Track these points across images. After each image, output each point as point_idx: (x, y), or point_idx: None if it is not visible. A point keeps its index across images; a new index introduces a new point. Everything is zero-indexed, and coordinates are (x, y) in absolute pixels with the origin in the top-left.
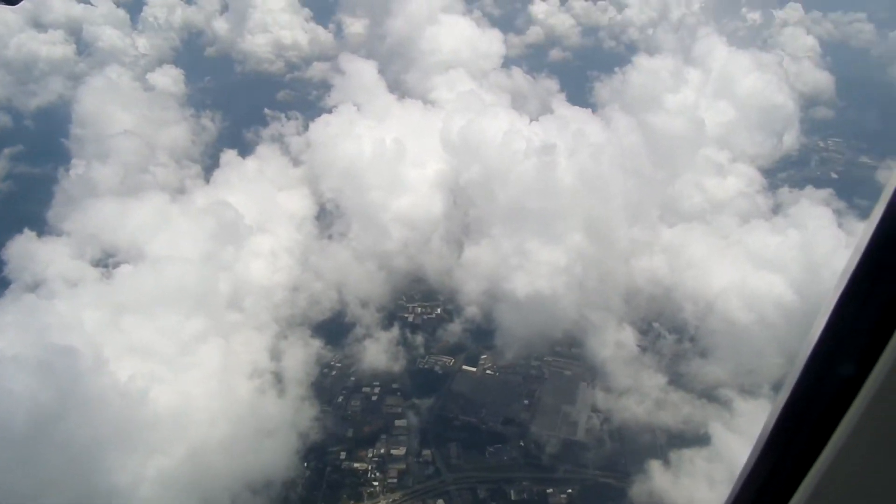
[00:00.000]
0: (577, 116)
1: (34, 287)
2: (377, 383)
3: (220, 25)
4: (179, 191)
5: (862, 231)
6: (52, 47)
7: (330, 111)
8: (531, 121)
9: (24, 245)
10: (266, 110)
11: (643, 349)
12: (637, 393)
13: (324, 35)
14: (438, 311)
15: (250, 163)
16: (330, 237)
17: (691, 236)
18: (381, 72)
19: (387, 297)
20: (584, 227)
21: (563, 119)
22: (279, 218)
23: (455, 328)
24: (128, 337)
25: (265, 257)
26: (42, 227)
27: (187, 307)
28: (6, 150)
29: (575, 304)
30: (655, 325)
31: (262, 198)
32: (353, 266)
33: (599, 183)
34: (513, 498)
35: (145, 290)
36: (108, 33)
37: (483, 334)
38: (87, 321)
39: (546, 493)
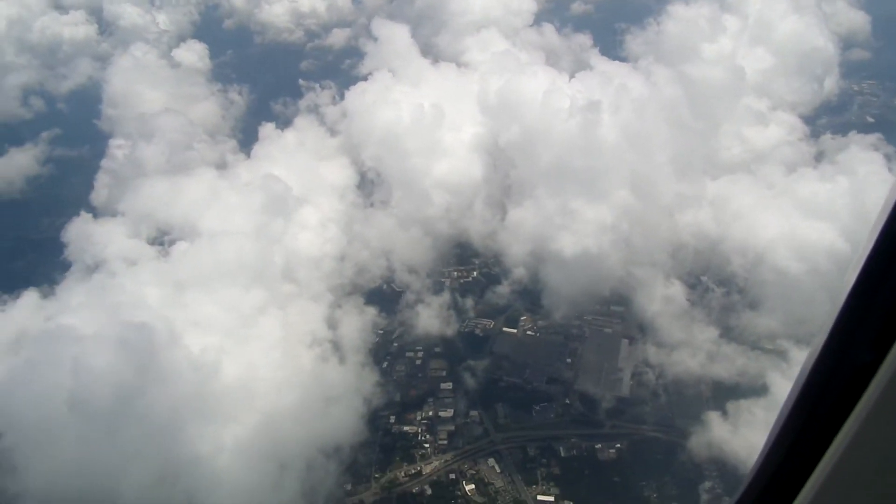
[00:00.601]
0: (615, 70)
1: (95, 267)
2: (420, 348)
3: None
4: (221, 166)
5: (871, 226)
6: (74, 28)
7: (364, 78)
8: (570, 78)
9: (82, 226)
10: (300, 81)
11: (692, 303)
12: (688, 347)
13: (342, 1)
14: (475, 274)
15: (289, 135)
16: (372, 205)
17: (736, 188)
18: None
19: (431, 262)
20: (629, 184)
21: (601, 74)
22: (322, 188)
23: (500, 290)
24: (192, 312)
25: (313, 228)
26: (86, 208)
27: (245, 280)
28: (44, 134)
29: (621, 261)
30: (703, 279)
31: (304, 169)
32: (397, 233)
33: (642, 138)
34: (562, 455)
35: (203, 265)
36: (129, 11)
37: (526, 296)
38: (151, 298)
39: (595, 448)
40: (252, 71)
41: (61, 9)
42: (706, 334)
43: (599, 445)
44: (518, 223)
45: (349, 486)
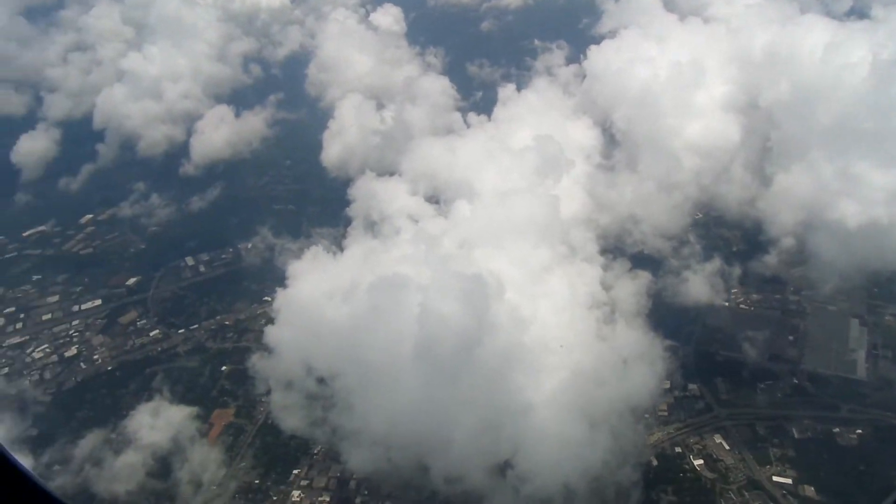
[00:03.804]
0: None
1: (376, 223)
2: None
3: None
4: (462, 128)
5: None
6: None
7: (605, 37)
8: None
9: (365, 184)
10: (536, 41)
11: None
12: None
13: None
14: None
15: (529, 96)
16: (623, 167)
17: None
18: None
19: (681, 228)
20: None
21: (880, 23)
22: (569, 150)
23: (765, 260)
24: (486, 268)
25: (568, 190)
26: (320, 169)
27: (529, 240)
28: (271, 98)
29: None
30: None
31: (549, 130)
32: (645, 197)
33: None
34: (796, 436)
35: (486, 223)
36: None
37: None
38: (443, 253)
39: (833, 432)
40: (439, 33)
41: None
42: None
43: (838, 429)
44: (786, 188)
45: None
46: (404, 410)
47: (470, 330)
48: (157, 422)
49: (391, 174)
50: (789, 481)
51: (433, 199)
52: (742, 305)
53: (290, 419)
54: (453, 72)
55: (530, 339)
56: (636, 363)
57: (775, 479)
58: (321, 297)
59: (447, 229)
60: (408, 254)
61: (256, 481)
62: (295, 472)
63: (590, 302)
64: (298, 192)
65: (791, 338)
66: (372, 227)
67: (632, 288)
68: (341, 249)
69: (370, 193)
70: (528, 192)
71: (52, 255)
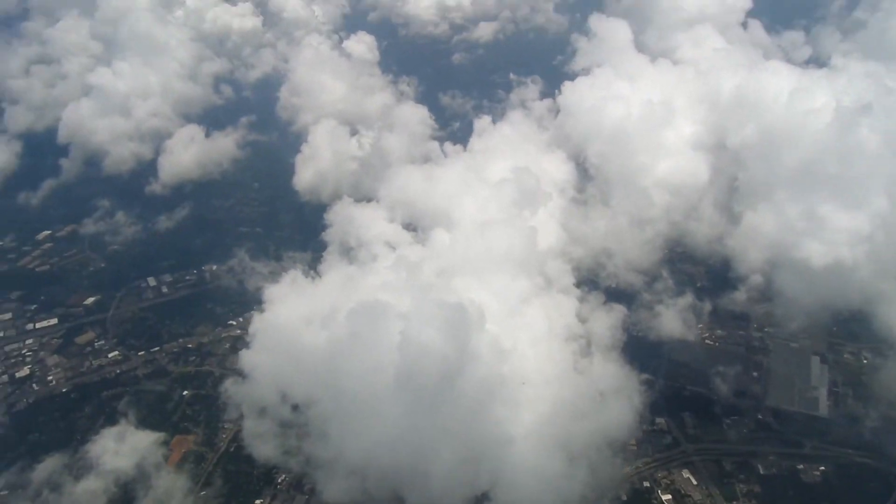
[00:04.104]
0: (858, 70)
1: (351, 248)
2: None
3: None
4: (438, 158)
5: None
6: (242, 20)
7: (578, 74)
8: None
9: (342, 209)
10: (511, 75)
11: None
12: None
13: None
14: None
15: (503, 128)
16: (596, 202)
17: None
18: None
19: (651, 263)
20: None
21: (845, 73)
22: (546, 183)
23: (732, 296)
24: (464, 297)
25: (547, 222)
26: (291, 193)
27: (504, 270)
28: (243, 120)
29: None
30: None
31: (523, 164)
32: (616, 231)
33: None
34: (761, 472)
35: (465, 253)
36: (292, 4)
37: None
38: (422, 282)
39: (797, 469)
40: (411, 63)
41: (230, 1)
42: None
43: (802, 466)
44: (754, 227)
45: None
46: (382, 440)
47: (451, 359)
48: (121, 447)
49: (367, 200)
50: None
51: (411, 227)
52: (707, 341)
53: (263, 447)
54: (426, 101)
55: (509, 371)
56: (613, 397)
57: None
58: (298, 322)
59: (426, 257)
60: (388, 280)
61: None
62: (258, 501)
63: (566, 334)
64: (267, 214)
65: (755, 374)
66: (348, 252)
67: (606, 321)
68: (315, 274)
69: (347, 219)
70: (506, 224)
71: (7, 270)
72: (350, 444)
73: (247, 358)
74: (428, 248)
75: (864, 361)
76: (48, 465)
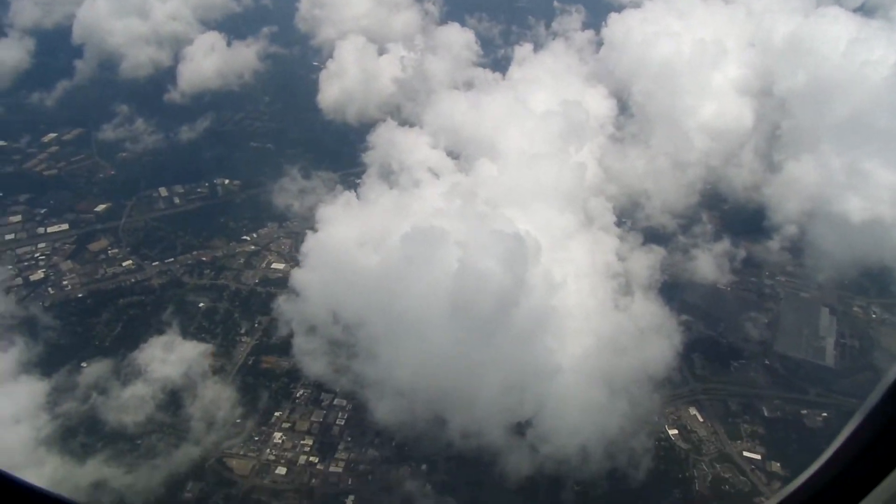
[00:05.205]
0: None
1: (392, 173)
2: None
3: None
4: (475, 84)
5: None
6: None
7: (627, 6)
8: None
9: (385, 132)
10: (555, 2)
11: None
12: None
13: None
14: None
15: (544, 58)
16: (635, 140)
17: None
18: None
19: (688, 207)
20: None
21: None
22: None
23: (764, 245)
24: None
25: (586, 158)
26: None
27: (550, 204)
28: (264, 30)
29: None
30: None
31: (567, 95)
32: (654, 172)
33: None
34: (766, 414)
35: (508, 183)
36: None
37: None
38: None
39: (801, 414)
40: None
41: None
42: None
43: (806, 412)
44: (794, 177)
45: None
46: (430, 363)
47: (508, 290)
48: (168, 356)
49: (407, 125)
50: (758, 457)
51: (454, 155)
52: (719, 286)
53: (313, 364)
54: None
55: (559, 303)
56: (652, 334)
57: (746, 454)
58: (350, 243)
59: (471, 187)
60: (441, 207)
61: (238, 420)
62: (276, 414)
63: (607, 271)
64: (287, 131)
65: (765, 321)
66: (388, 176)
67: (645, 261)
68: (349, 194)
69: (389, 141)
70: (552, 157)
71: (12, 172)
72: (398, 365)
73: (298, 276)
74: (472, 178)
75: (873, 316)
76: (94, 370)
